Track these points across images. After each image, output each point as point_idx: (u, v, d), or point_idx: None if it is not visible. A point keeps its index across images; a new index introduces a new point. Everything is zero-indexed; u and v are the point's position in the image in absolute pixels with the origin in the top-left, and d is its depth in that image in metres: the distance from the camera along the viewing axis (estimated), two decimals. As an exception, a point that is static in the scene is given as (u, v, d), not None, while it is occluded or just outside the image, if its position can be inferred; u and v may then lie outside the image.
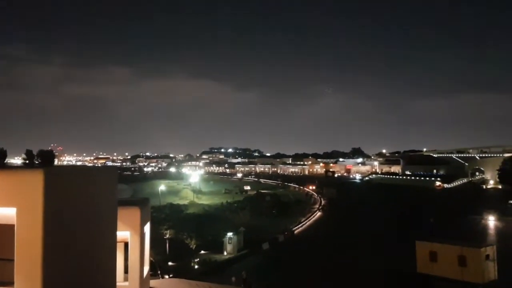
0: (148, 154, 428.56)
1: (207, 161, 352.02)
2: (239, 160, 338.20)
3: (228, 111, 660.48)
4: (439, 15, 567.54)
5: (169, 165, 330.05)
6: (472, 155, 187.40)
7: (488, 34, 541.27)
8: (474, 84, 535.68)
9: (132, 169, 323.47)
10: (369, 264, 43.49)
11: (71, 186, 6.17)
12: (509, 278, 32.32)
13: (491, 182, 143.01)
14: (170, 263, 43.36)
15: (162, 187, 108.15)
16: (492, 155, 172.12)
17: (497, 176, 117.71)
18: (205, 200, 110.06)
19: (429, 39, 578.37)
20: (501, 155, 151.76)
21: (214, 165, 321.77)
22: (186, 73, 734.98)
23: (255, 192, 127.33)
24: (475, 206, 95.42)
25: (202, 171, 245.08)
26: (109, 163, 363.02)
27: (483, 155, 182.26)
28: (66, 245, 5.83)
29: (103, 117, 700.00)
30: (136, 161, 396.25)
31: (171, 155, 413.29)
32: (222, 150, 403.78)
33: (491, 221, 72.69)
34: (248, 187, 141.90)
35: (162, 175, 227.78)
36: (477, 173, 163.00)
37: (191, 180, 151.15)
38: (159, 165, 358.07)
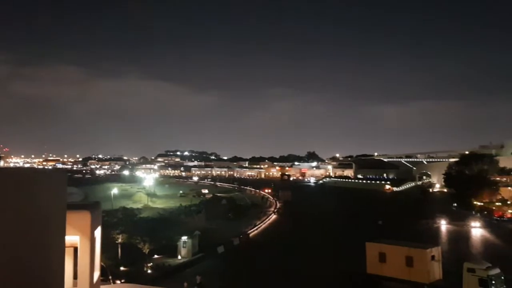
0: (100, 156, 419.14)
1: (163, 164, 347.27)
2: (196, 163, 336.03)
3: (184, 114, 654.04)
4: (392, 26, 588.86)
5: (123, 168, 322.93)
6: (420, 159, 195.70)
7: (435, 44, 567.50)
8: (423, 92, 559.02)
9: (84, 171, 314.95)
10: (322, 265, 44.35)
11: (16, 189, 5.98)
12: (453, 278, 33.82)
13: (437, 185, 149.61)
14: (122, 268, 42.39)
15: (114, 190, 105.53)
16: (438, 159, 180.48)
17: (442, 180, 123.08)
18: (159, 204, 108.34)
19: (380, 49, 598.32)
20: (446, 160, 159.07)
21: (169, 168, 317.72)
22: (141, 74, 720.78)
23: (211, 195, 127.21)
24: (422, 209, 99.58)
25: (157, 174, 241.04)
26: (59, 165, 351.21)
27: (430, 159, 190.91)
28: (11, 251, 5.65)
29: (53, 117, 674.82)
30: (88, 164, 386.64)
31: (124, 158, 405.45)
32: (178, 153, 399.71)
33: (442, 225, 75.77)
34: (206, 191, 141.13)
35: (115, 178, 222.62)
36: (424, 177, 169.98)
37: (146, 184, 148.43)
38: (112, 168, 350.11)
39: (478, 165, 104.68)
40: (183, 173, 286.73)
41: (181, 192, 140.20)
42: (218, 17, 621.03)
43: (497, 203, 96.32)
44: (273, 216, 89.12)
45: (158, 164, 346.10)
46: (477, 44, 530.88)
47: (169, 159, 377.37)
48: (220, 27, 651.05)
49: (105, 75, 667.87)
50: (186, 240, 50.88)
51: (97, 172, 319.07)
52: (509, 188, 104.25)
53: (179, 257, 49.98)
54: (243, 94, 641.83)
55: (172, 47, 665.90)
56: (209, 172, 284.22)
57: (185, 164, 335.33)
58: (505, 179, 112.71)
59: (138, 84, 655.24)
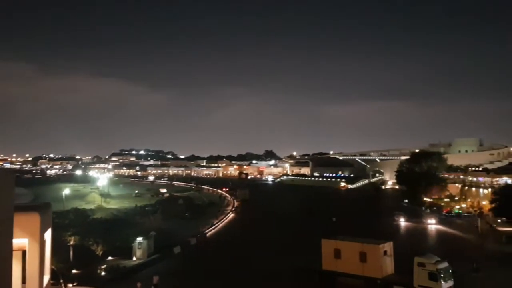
0: (51, 155, 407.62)
1: (117, 163, 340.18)
2: (152, 162, 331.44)
3: (140, 112, 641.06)
4: (347, 27, 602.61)
5: (75, 167, 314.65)
6: (373, 157, 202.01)
7: (387, 46, 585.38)
8: (376, 93, 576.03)
9: (34, 171, 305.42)
10: (279, 263, 44.88)
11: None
12: (405, 272, 34.92)
13: (390, 182, 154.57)
14: (74, 271, 41.03)
15: (66, 191, 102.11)
16: (391, 157, 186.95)
17: (394, 177, 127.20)
18: (114, 204, 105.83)
19: (336, 50, 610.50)
20: (398, 157, 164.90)
21: (124, 168, 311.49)
22: (95, 71, 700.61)
23: (167, 195, 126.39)
24: (375, 206, 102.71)
25: (111, 174, 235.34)
26: (7, 165, 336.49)
27: (383, 157, 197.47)
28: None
29: (1, 115, 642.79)
30: (38, 163, 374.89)
31: (77, 157, 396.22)
32: (133, 152, 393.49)
33: (393, 221, 78.02)
34: (164, 190, 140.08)
35: (67, 178, 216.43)
36: (377, 175, 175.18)
37: (99, 184, 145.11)
38: (64, 168, 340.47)
39: (427, 162, 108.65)
40: (139, 173, 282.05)
41: (136, 192, 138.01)
42: (175, 15, 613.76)
43: (445, 199, 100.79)
44: (231, 215, 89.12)
45: (113, 163, 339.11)
46: (426, 46, 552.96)
47: (124, 158, 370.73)
48: (178, 25, 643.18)
49: (56, 72, 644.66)
50: (141, 241, 49.92)
51: (48, 172, 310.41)
52: (457, 184, 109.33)
53: (134, 258, 49.00)
54: (201, 92, 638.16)
55: (127, 44, 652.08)
56: (166, 171, 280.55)
57: (140, 163, 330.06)
58: (452, 176, 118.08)
59: (90, 82, 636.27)
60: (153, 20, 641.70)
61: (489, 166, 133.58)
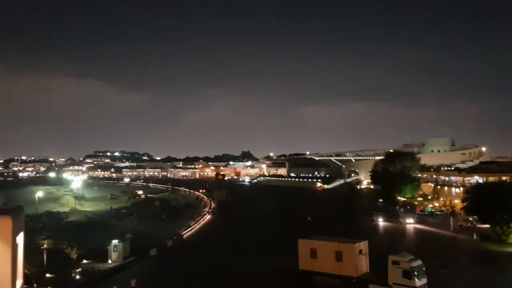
0: (24, 158, 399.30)
1: (92, 165, 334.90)
2: (127, 164, 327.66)
3: (114, 113, 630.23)
4: (323, 29, 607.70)
5: (48, 169, 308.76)
6: (349, 158, 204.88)
7: (362, 48, 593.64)
8: (351, 94, 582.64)
9: (5, 174, 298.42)
10: (256, 264, 45.02)
11: None
12: (379, 271, 35.52)
13: (365, 182, 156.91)
14: (48, 275, 40.28)
15: (39, 193, 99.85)
16: (366, 158, 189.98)
17: (369, 177, 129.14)
18: (88, 207, 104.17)
19: (312, 52, 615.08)
20: (373, 158, 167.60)
21: (99, 170, 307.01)
22: (68, 71, 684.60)
23: (143, 196, 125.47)
24: (350, 205, 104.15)
25: (85, 176, 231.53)
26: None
27: (358, 158, 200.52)
28: None
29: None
30: (10, 166, 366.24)
31: (50, 159, 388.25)
32: (108, 153, 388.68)
33: (368, 220, 79.24)
34: (141, 192, 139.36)
35: (40, 180, 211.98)
36: (352, 175, 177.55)
37: (73, 186, 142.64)
38: (37, 170, 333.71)
39: (401, 162, 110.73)
40: (114, 175, 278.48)
41: (111, 194, 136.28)
42: (153, 16, 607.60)
43: (419, 199, 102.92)
44: (208, 216, 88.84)
45: (87, 165, 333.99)
46: (401, 48, 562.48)
47: (99, 160, 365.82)
48: (155, 25, 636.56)
49: (28, 71, 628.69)
50: (117, 244, 49.28)
51: (20, 174, 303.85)
52: (430, 184, 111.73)
53: (110, 261, 48.35)
54: (177, 93, 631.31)
55: (101, 45, 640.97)
56: (142, 173, 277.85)
57: (115, 165, 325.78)
58: (425, 175, 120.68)
59: (64, 83, 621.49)
60: (131, 21, 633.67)
61: (461, 166, 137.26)
